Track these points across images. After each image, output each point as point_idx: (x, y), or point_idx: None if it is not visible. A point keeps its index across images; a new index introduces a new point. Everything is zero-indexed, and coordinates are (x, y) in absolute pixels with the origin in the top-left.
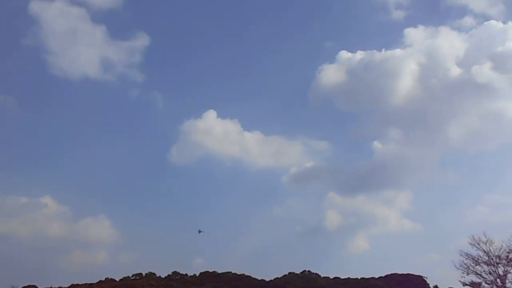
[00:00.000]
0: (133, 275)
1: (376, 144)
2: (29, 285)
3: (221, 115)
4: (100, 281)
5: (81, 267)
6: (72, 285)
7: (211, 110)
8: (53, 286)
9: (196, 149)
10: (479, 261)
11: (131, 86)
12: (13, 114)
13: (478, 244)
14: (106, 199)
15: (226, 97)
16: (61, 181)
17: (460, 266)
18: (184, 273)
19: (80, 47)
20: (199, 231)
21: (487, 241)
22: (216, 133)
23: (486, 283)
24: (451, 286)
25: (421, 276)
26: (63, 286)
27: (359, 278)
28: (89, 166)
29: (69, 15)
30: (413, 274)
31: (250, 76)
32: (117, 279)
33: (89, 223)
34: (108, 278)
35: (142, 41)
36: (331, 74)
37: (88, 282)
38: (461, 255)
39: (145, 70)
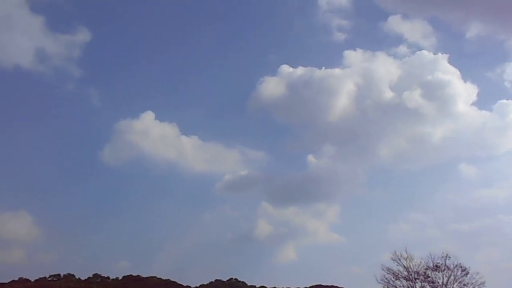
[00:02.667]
0: (50, 276)
1: (310, 158)
2: None
3: (159, 117)
4: (13, 281)
5: None
6: None
7: (149, 111)
8: None
9: (131, 149)
10: (399, 276)
11: (66, 80)
12: None
13: (399, 259)
14: (30, 195)
15: (165, 100)
16: None
17: (381, 280)
18: (106, 276)
19: (14, 35)
20: None
21: (407, 257)
22: (153, 135)
23: None
24: None
25: None
26: None
27: (284, 287)
28: (14, 158)
29: (5, 1)
30: (337, 286)
31: (191, 81)
32: (33, 280)
33: (8, 218)
34: (22, 278)
35: (82, 36)
36: (271, 86)
37: None
38: (382, 269)
39: (83, 66)
